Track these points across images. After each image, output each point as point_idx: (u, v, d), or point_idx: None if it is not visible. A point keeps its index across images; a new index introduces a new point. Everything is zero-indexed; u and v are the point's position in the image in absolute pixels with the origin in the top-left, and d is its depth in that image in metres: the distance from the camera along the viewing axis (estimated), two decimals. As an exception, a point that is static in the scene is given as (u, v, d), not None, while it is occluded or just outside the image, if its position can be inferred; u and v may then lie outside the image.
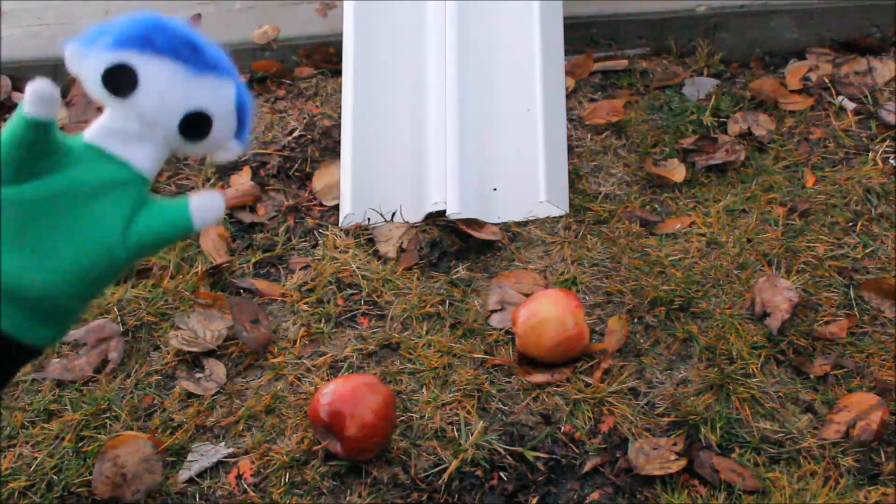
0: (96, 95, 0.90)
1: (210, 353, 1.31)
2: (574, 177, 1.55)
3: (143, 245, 0.92)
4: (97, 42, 0.89)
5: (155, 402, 1.26)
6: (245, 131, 0.98)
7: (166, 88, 0.90)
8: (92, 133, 0.91)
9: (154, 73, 0.89)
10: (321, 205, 1.54)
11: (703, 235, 1.44)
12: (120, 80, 0.89)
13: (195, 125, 0.92)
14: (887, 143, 1.58)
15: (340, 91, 1.62)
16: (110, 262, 0.91)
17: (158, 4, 1.87)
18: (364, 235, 1.46)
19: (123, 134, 0.90)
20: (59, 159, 0.89)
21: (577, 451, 1.17)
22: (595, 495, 1.13)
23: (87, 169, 0.90)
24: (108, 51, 0.89)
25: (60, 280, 0.89)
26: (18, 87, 1.80)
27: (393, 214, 1.48)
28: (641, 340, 1.30)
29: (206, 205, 0.92)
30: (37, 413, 1.24)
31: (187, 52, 0.90)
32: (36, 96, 0.85)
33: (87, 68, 0.89)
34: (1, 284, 0.87)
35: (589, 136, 1.63)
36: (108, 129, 0.90)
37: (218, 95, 0.93)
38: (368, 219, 1.48)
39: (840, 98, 1.67)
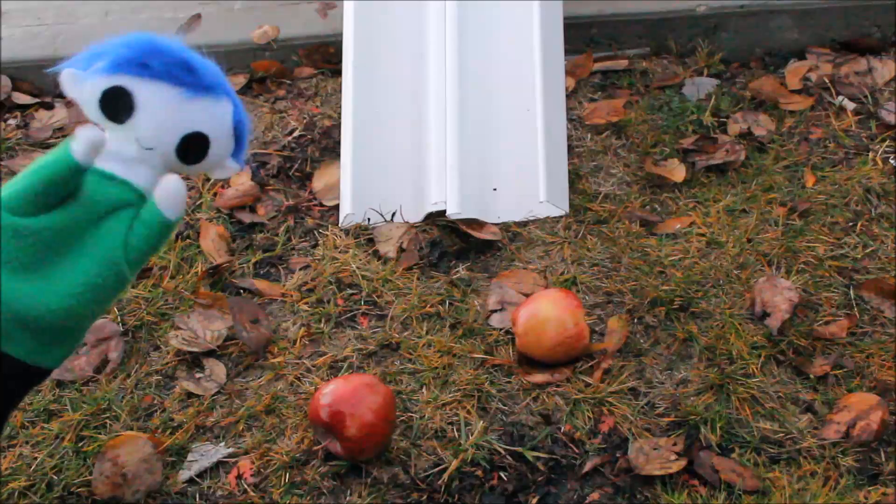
0: (94, 119, 0.91)
1: (210, 353, 1.31)
2: (574, 177, 1.55)
3: (141, 254, 0.94)
4: (93, 65, 0.90)
5: (155, 402, 1.26)
6: (242, 150, 0.99)
7: (163, 112, 0.90)
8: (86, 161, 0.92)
9: (151, 97, 0.89)
10: (321, 205, 1.54)
11: (703, 235, 1.44)
12: (117, 105, 0.89)
13: (193, 147, 0.92)
14: (887, 143, 1.58)
15: (340, 91, 1.62)
16: (118, 278, 0.93)
17: (158, 4, 1.88)
18: (364, 235, 1.46)
19: (122, 157, 0.91)
20: (73, 190, 0.90)
21: (577, 451, 1.17)
22: (595, 495, 1.13)
23: (94, 193, 0.91)
24: (104, 75, 0.89)
25: (75, 303, 0.90)
26: (18, 86, 1.80)
27: (393, 214, 1.48)
28: (641, 340, 1.30)
29: (165, 193, 0.92)
30: (37, 413, 1.24)
31: (183, 75, 0.90)
32: (89, 145, 0.86)
33: (84, 92, 0.89)
34: (15, 312, 0.88)
35: (589, 136, 1.63)
36: (109, 151, 0.91)
37: (215, 116, 0.94)
38: (368, 219, 1.48)
39: (840, 98, 1.67)
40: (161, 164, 0.94)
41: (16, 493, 1.15)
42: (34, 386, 0.95)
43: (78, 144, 0.86)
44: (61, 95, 1.79)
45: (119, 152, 0.91)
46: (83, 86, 0.90)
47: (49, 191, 0.88)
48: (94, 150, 0.87)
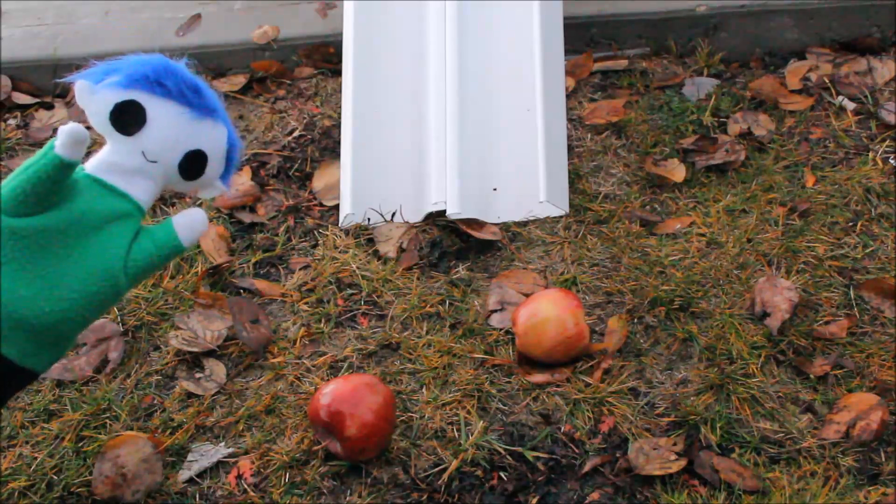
0: (101, 130, 0.94)
1: (210, 353, 1.31)
2: (574, 177, 1.55)
3: (141, 270, 0.98)
4: (107, 79, 0.94)
5: (155, 402, 1.26)
6: (230, 172, 1.04)
7: (172, 129, 0.95)
8: (94, 165, 0.96)
9: (161, 113, 0.94)
10: (321, 205, 1.54)
11: (703, 235, 1.44)
12: (128, 118, 0.93)
13: (194, 164, 0.97)
14: (887, 143, 1.58)
15: (340, 91, 1.62)
16: (114, 289, 0.96)
17: (158, 4, 1.88)
18: (364, 235, 1.46)
19: (125, 168, 0.95)
20: (66, 191, 0.92)
21: (577, 451, 1.17)
22: (595, 495, 1.13)
23: (92, 201, 0.95)
24: (118, 89, 0.93)
25: (67, 308, 0.92)
26: (18, 86, 1.80)
27: (393, 214, 1.48)
28: (641, 340, 1.30)
29: (189, 222, 0.97)
30: (37, 413, 1.24)
31: (192, 96, 0.96)
32: (71, 139, 0.88)
33: (96, 103, 0.94)
34: (10, 312, 0.89)
35: (589, 136, 1.63)
36: (111, 163, 0.95)
37: (214, 138, 0.99)
38: (368, 219, 1.48)
39: (840, 98, 1.67)
40: (161, 177, 0.97)
41: (16, 493, 1.15)
42: (21, 389, 0.96)
43: (59, 139, 0.88)
44: (61, 95, 1.79)
45: (121, 164, 0.94)
46: (96, 97, 0.93)
47: (38, 189, 0.90)
48: (76, 144, 0.89)
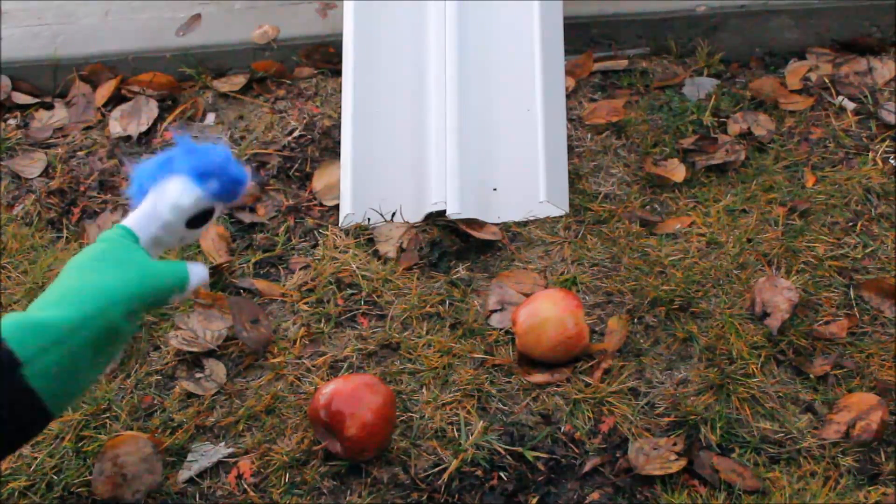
0: (170, 216, 0.98)
1: (210, 353, 1.31)
2: (574, 177, 1.55)
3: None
4: (209, 184, 0.99)
5: (155, 402, 1.26)
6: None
7: (214, 219, 1.03)
8: (143, 237, 0.99)
9: (217, 213, 1.02)
10: (321, 205, 1.54)
11: (703, 235, 1.44)
12: (202, 220, 1.01)
13: (202, 219, 1.02)
14: (887, 143, 1.58)
15: (340, 91, 1.62)
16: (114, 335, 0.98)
17: (158, 4, 1.88)
18: (364, 235, 1.46)
19: (160, 243, 1.00)
20: None
21: (577, 451, 1.17)
22: (595, 495, 1.13)
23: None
24: (210, 198, 0.99)
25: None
26: (18, 87, 1.80)
27: (393, 214, 1.48)
28: (641, 340, 1.30)
29: (196, 277, 0.99)
30: (37, 413, 1.24)
31: (238, 193, 1.02)
32: (201, 282, 0.98)
33: (187, 199, 0.98)
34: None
35: (589, 136, 1.63)
36: (158, 238, 0.99)
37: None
38: (368, 219, 1.48)
39: (840, 98, 1.67)
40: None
41: (16, 493, 1.15)
42: (37, 433, 0.95)
43: (196, 279, 0.97)
44: (61, 95, 1.79)
45: (163, 240, 1.00)
46: (191, 196, 0.98)
47: (157, 304, 0.96)
48: (201, 283, 0.99)
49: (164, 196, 0.98)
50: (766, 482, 1.13)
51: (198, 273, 0.98)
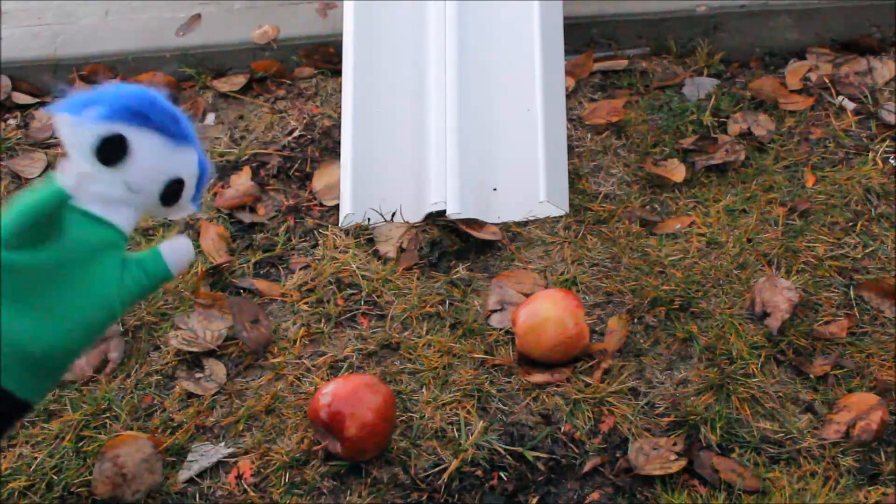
0: (81, 160, 0.94)
1: (210, 353, 1.31)
2: (574, 177, 1.55)
3: (134, 298, 0.99)
4: (89, 110, 0.93)
5: (155, 402, 1.26)
6: (200, 194, 1.05)
7: (154, 160, 0.96)
8: (77, 195, 0.95)
9: (145, 145, 0.95)
10: (321, 205, 1.54)
11: (703, 235, 1.44)
12: (113, 151, 0.93)
13: (173, 192, 0.98)
14: (887, 143, 1.58)
15: (340, 91, 1.62)
16: (111, 318, 0.99)
17: (158, 4, 1.88)
18: (364, 235, 1.46)
19: (108, 199, 0.95)
20: (58, 224, 0.94)
21: (577, 451, 1.17)
22: (595, 495, 1.13)
23: (83, 232, 0.95)
24: (102, 121, 0.93)
25: (69, 339, 0.94)
26: (18, 87, 1.80)
27: (393, 214, 1.48)
28: (641, 340, 1.30)
29: (176, 250, 0.99)
30: (37, 413, 1.24)
31: (172, 126, 0.96)
32: (81, 179, 0.92)
33: (79, 135, 0.93)
34: (15, 347, 0.90)
35: (589, 136, 1.63)
36: (95, 193, 0.95)
37: (189, 163, 1.00)
38: (368, 219, 1.48)
39: (840, 98, 1.67)
40: (142, 206, 1.00)
41: (16, 493, 1.15)
42: (17, 422, 0.97)
43: (69, 179, 0.91)
44: (61, 96, 1.79)
45: (104, 194, 0.96)
46: (78, 129, 0.93)
47: (40, 224, 0.91)
48: (82, 185, 0.92)
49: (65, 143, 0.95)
50: (766, 482, 1.13)
51: (178, 248, 0.97)
